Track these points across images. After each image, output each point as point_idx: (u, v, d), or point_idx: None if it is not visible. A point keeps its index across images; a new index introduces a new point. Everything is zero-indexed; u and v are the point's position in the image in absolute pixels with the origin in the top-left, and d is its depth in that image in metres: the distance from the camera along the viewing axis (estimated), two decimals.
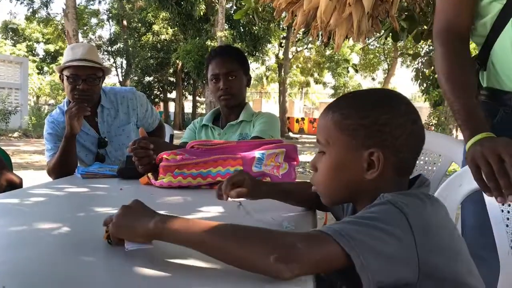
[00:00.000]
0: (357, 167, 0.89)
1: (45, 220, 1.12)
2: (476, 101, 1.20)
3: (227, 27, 18.85)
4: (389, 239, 0.74)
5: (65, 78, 2.25)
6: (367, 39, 2.55)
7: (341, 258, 0.72)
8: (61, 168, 2.16)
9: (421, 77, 8.31)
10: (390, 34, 3.74)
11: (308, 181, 1.05)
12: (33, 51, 37.04)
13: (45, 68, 36.05)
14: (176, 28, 23.77)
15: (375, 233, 0.74)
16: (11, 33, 35.69)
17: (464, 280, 0.82)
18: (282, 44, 22.78)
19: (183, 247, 0.80)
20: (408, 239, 0.75)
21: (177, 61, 24.51)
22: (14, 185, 2.04)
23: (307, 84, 37.00)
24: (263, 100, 37.87)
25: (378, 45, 22.68)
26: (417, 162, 2.03)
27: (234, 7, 21.06)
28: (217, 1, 18.38)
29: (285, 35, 22.51)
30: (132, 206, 0.87)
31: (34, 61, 34.02)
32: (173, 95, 32.81)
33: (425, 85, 8.73)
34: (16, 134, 17.40)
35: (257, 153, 1.68)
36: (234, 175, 1.25)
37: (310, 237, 0.75)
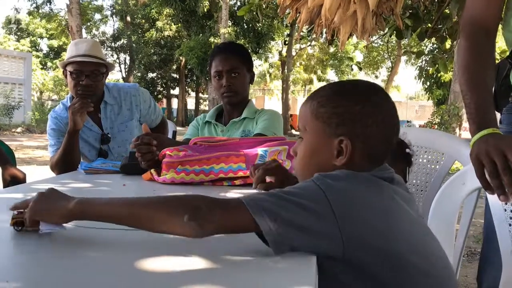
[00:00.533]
0: (328, 153, 0.94)
1: None
2: (489, 97, 1.19)
3: (230, 23, 18.84)
4: (304, 212, 0.80)
5: (68, 73, 2.25)
6: (371, 37, 2.54)
7: (251, 224, 0.79)
8: (64, 164, 2.17)
9: (424, 76, 8.29)
10: (394, 32, 3.74)
11: None
12: (37, 47, 37.15)
13: (49, 64, 36.16)
14: (179, 25, 23.77)
15: (289, 205, 0.80)
16: (15, 27, 35.76)
17: (403, 258, 0.85)
18: (286, 42, 22.73)
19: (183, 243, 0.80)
20: (328, 215, 0.79)
21: (180, 58, 24.55)
22: (18, 180, 2.05)
23: (310, 81, 36.97)
24: (266, 98, 37.82)
25: (381, 43, 22.63)
26: (420, 160, 2.04)
27: (238, 4, 21.04)
28: None
29: (288, 32, 22.48)
30: (48, 191, 0.92)
31: (37, 57, 34.14)
32: (176, 91, 32.86)
33: (428, 83, 8.71)
34: (19, 129, 17.46)
35: (260, 150, 1.68)
36: (270, 164, 1.34)
37: (225, 202, 0.84)
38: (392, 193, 0.90)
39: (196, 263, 0.80)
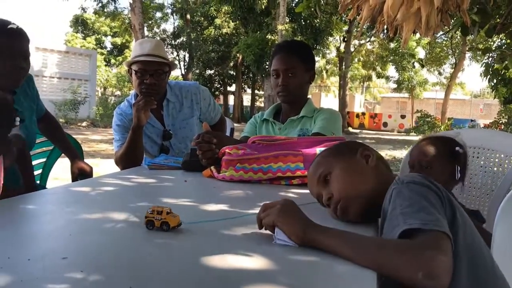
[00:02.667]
0: (361, 166, 1.19)
1: (116, 208, 1.19)
2: None
3: (288, 20, 18.77)
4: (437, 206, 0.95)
5: (133, 72, 2.34)
6: (435, 34, 2.46)
7: (450, 246, 0.86)
8: (128, 159, 2.25)
9: (491, 73, 7.87)
10: (460, 28, 3.58)
11: None
12: (101, 44, 38.72)
13: (112, 61, 37.62)
14: (237, 22, 23.98)
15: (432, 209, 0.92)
16: (81, 27, 37.47)
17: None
18: (345, 38, 22.35)
19: None
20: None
21: (238, 55, 24.76)
22: (85, 173, 2.15)
23: (369, 78, 36.18)
24: (322, 94, 37.41)
25: (445, 39, 21.75)
26: (479, 162, 1.98)
27: (296, 0, 20.91)
28: None
29: (347, 28, 22.11)
30: (291, 206, 0.99)
31: (102, 54, 35.61)
32: (232, 88, 33.18)
33: (495, 81, 8.27)
34: (84, 124, 18.30)
35: (318, 150, 1.67)
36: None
37: (437, 242, 0.85)
38: None
39: (259, 263, 0.82)
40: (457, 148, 1.74)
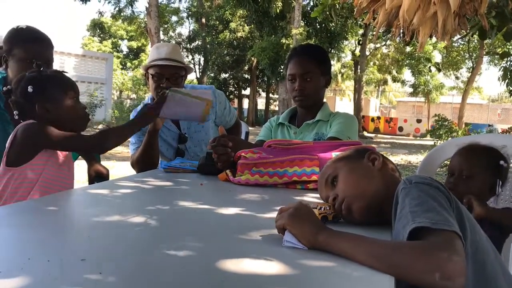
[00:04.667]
0: (367, 169, 1.22)
1: (133, 211, 1.20)
2: None
3: (303, 24, 18.76)
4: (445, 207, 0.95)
5: (150, 76, 2.36)
6: (452, 38, 2.44)
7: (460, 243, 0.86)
8: (144, 162, 2.27)
9: (509, 77, 7.76)
10: (477, 32, 3.55)
11: None
12: (117, 48, 39.14)
13: (128, 64, 37.98)
14: (252, 26, 24.01)
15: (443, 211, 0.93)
16: (98, 30, 37.93)
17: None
18: (360, 42, 22.24)
19: None
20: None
21: (252, 58, 24.78)
22: (102, 176, 2.18)
23: (385, 82, 35.93)
24: (337, 98, 37.27)
25: (462, 43, 21.53)
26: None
27: (311, 4, 20.90)
28: None
29: (363, 32, 22.00)
30: (305, 209, 1.00)
31: (118, 57, 35.98)
32: (247, 91, 33.26)
33: None
34: (100, 126, 18.49)
35: (334, 155, 1.67)
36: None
37: (450, 242, 0.85)
38: None
39: (273, 268, 0.82)
40: (501, 162, 1.70)
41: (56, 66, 2.14)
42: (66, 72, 1.80)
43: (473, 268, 0.95)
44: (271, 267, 0.82)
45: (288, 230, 0.96)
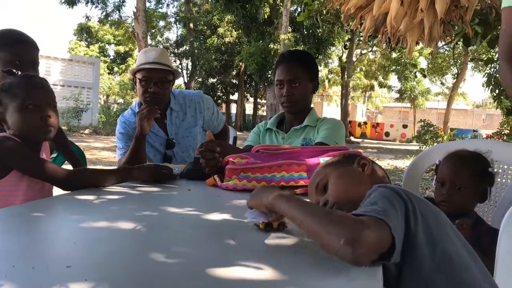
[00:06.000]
0: (357, 174, 1.24)
1: (120, 217, 1.19)
2: None
3: (290, 30, 18.85)
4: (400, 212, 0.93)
5: (137, 80, 2.35)
6: (438, 44, 2.47)
7: (389, 239, 0.84)
8: None
9: (493, 83, 7.88)
10: (461, 38, 3.60)
11: None
12: (105, 52, 38.93)
13: (115, 69, 37.79)
14: (240, 31, 24.07)
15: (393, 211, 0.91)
16: (85, 35, 37.71)
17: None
18: (347, 46, 22.40)
19: None
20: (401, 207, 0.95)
21: (240, 64, 24.84)
22: None
23: (371, 87, 36.24)
24: (324, 104, 37.45)
25: (447, 49, 21.78)
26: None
27: (299, 10, 21.01)
28: (281, 4, 18.43)
29: (349, 37, 22.17)
30: (266, 186, 1.14)
31: (105, 62, 35.79)
32: (235, 96, 33.27)
33: (497, 91, 8.26)
34: (87, 131, 18.35)
35: (321, 160, 1.68)
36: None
37: (372, 222, 0.84)
38: None
39: (263, 273, 0.82)
40: (490, 169, 1.71)
41: (42, 70, 2.12)
42: (47, 76, 1.75)
43: (444, 276, 0.95)
44: (260, 272, 0.82)
45: (250, 206, 1.05)
